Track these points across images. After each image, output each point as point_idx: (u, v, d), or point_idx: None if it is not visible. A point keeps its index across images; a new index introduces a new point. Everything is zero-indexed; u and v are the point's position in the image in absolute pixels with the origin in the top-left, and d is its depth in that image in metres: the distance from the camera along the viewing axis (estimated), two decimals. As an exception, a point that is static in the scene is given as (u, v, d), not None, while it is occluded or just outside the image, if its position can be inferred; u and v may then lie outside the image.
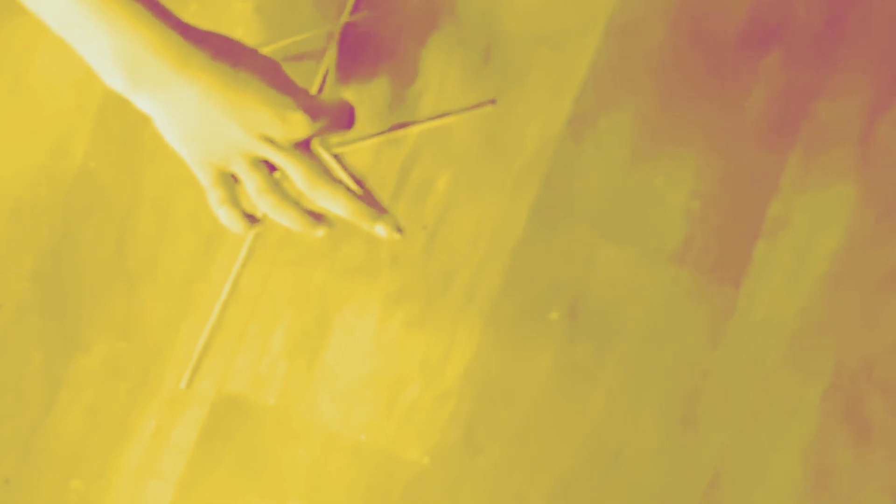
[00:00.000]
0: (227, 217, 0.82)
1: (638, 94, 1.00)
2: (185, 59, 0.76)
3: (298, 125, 0.80)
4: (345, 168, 0.88)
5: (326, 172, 0.82)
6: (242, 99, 0.77)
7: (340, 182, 0.82)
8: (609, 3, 1.01)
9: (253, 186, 0.81)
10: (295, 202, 0.82)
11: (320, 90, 1.02)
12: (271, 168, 0.82)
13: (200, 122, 0.78)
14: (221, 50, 0.78)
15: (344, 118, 0.85)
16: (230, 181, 0.82)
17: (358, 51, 1.03)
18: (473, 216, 1.00)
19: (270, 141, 0.80)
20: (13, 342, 1.03)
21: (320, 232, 0.82)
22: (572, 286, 0.98)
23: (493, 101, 1.00)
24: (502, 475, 0.98)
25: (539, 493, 0.97)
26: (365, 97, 1.03)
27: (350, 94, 1.03)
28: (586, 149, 1.00)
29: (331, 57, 1.02)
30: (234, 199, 0.82)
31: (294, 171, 0.81)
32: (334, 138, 1.00)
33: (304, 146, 0.82)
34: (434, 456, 0.98)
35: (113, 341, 1.01)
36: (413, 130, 1.02)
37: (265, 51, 0.95)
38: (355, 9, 1.03)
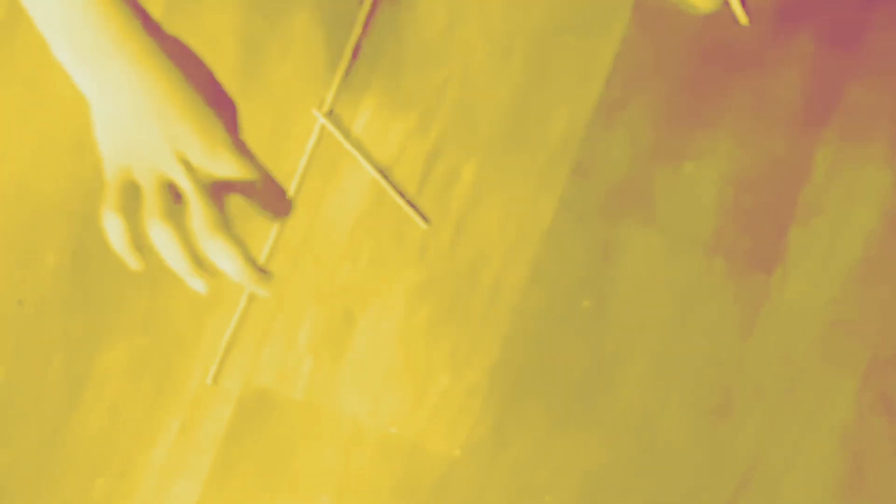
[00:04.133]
0: (111, 225, 0.73)
1: (667, 78, 0.99)
2: (140, 52, 0.71)
3: (223, 160, 0.74)
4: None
5: (228, 226, 0.74)
6: (180, 110, 0.72)
7: (238, 240, 0.74)
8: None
9: (150, 205, 0.73)
10: (186, 241, 0.74)
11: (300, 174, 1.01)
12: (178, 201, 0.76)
13: (130, 119, 0.73)
14: (180, 57, 0.74)
15: (278, 199, 0.79)
16: (131, 189, 0.74)
17: (382, 43, 1.01)
18: (500, 206, 0.99)
19: (188, 167, 0.73)
20: (35, 339, 1.01)
21: (199, 284, 0.74)
22: (603, 274, 0.97)
23: (427, 221, 0.99)
24: (532, 468, 0.96)
25: (569, 486, 0.96)
26: (391, 87, 1.01)
27: (377, 86, 1.01)
28: (615, 135, 0.99)
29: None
30: (126, 209, 0.73)
31: (197, 208, 0.73)
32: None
33: (218, 193, 0.75)
34: (464, 449, 0.96)
35: (136, 337, 1.00)
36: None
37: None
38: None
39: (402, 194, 1.00)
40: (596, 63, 1.00)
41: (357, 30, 1.02)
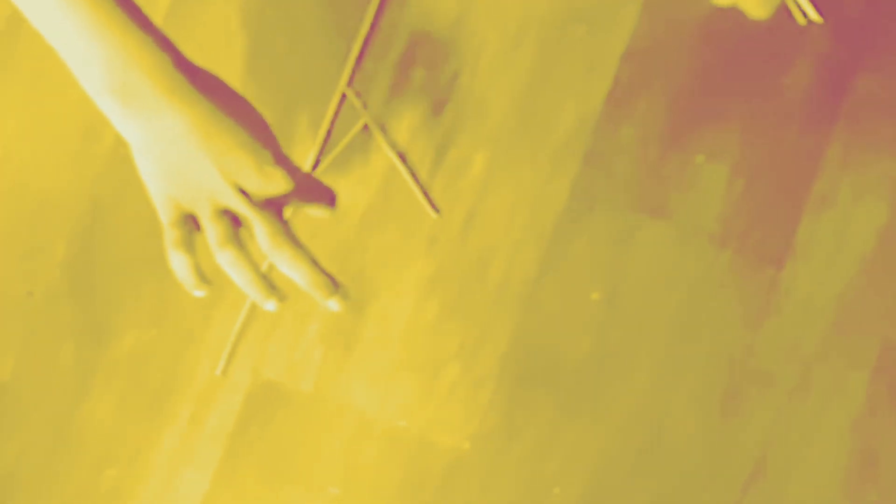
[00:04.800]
0: (178, 262, 0.76)
1: (677, 68, 0.98)
2: (175, 89, 0.72)
3: (276, 180, 0.75)
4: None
5: (293, 237, 0.77)
6: (224, 142, 0.74)
7: (304, 249, 0.77)
8: (644, -22, 1.00)
9: (214, 235, 0.76)
10: (253, 262, 0.77)
11: (315, 165, 1.01)
12: (236, 224, 0.78)
13: (176, 157, 0.74)
14: (212, 89, 0.74)
15: (323, 195, 0.82)
16: (190, 225, 0.77)
17: (392, 35, 1.01)
18: (510, 196, 0.99)
19: (242, 192, 0.75)
20: (44, 330, 1.02)
21: (270, 304, 0.77)
22: (613, 266, 0.97)
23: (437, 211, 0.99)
24: (541, 459, 0.96)
25: (578, 477, 0.95)
26: (400, 79, 1.01)
27: (384, 78, 1.01)
28: (625, 126, 0.98)
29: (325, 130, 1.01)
30: (189, 244, 0.76)
31: (260, 229, 0.76)
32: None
33: (274, 208, 0.78)
34: (473, 441, 0.96)
35: (145, 328, 1.00)
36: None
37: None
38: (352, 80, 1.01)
39: (416, 180, 0.99)
40: (606, 53, 0.99)
41: (367, 22, 1.02)
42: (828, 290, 0.95)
